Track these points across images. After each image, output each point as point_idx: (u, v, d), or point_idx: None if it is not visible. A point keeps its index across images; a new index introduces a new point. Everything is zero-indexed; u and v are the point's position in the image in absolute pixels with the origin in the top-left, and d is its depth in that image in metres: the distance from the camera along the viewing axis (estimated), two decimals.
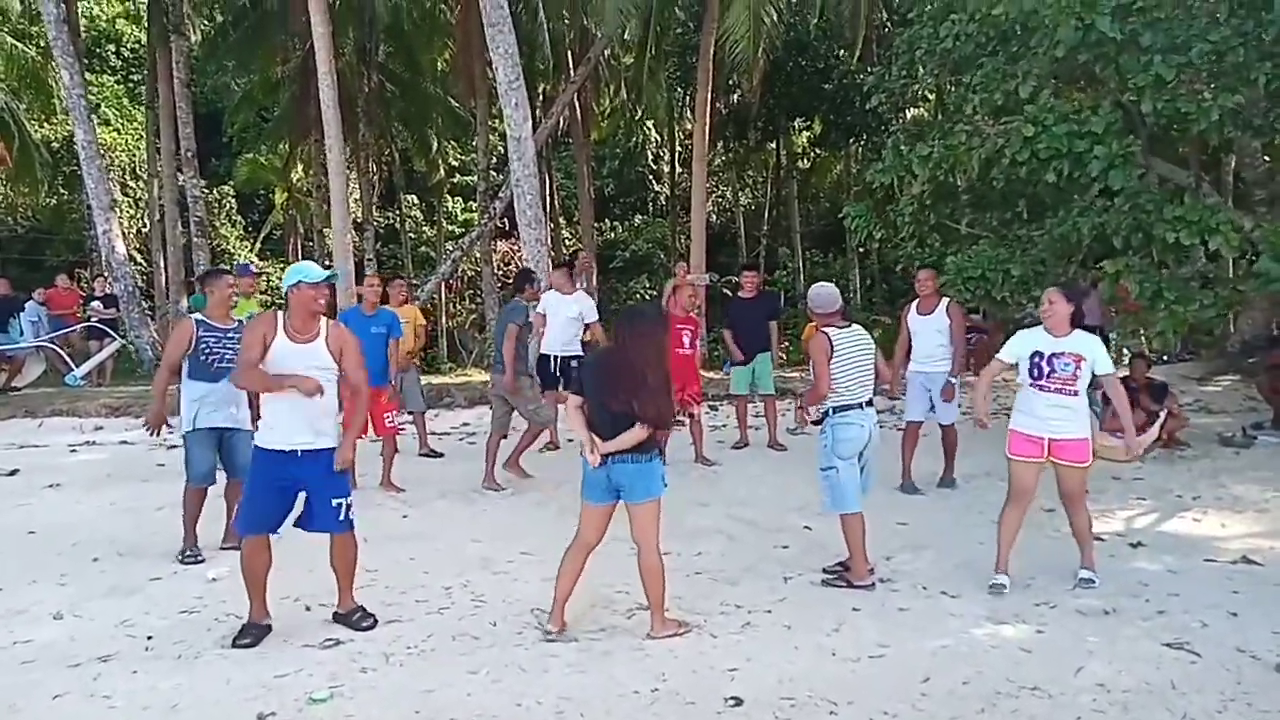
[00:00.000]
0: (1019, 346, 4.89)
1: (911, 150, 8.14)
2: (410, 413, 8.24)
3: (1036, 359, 4.77)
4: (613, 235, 32.75)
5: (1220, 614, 4.44)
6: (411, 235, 31.46)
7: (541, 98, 24.26)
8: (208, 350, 5.52)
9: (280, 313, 4.41)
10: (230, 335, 5.58)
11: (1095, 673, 3.82)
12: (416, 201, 33.29)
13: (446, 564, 5.33)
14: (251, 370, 4.24)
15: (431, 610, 4.63)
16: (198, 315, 5.70)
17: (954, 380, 7.08)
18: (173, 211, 18.22)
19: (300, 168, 28.91)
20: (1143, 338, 8.04)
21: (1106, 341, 13.67)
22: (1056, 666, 3.89)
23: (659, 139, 32.20)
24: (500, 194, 17.92)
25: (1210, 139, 6.75)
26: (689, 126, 31.44)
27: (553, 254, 27.73)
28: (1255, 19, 6.50)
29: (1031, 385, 4.79)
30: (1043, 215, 7.89)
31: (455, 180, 33.37)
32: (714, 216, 33.61)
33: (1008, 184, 7.55)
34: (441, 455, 8.33)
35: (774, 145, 28.91)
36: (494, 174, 21.63)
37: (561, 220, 29.40)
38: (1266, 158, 8.88)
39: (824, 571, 5.07)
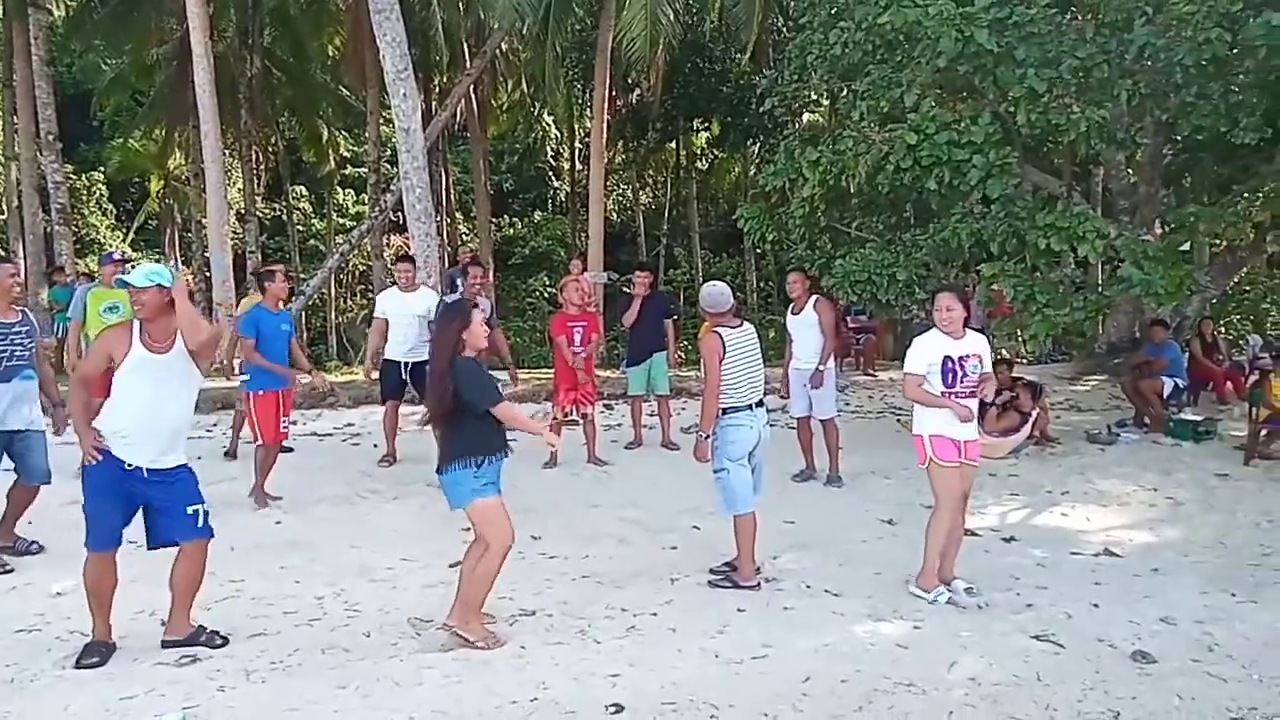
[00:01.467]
0: (928, 353, 4.73)
1: (803, 154, 8.25)
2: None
3: (949, 364, 4.70)
4: (511, 231, 32.37)
5: (1083, 605, 4.61)
6: (300, 228, 30.34)
7: (437, 90, 23.76)
8: None
9: (134, 324, 4.04)
10: (17, 330, 5.25)
11: (968, 667, 3.90)
12: (305, 193, 32.15)
13: (321, 573, 5.08)
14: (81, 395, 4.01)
15: (300, 622, 4.40)
16: None
17: (822, 368, 7.18)
18: (32, 198, 16.97)
19: (178, 154, 27.57)
20: (1019, 340, 8.35)
21: None
22: (931, 662, 3.95)
23: (559, 135, 31.97)
24: (392, 186, 17.43)
25: (1079, 150, 7.05)
26: (589, 123, 31.47)
27: (447, 249, 27.28)
28: (1117, 39, 6.83)
29: (945, 391, 4.71)
30: (927, 220, 8.11)
31: (346, 172, 32.36)
32: (614, 215, 33.57)
33: (893, 189, 7.72)
34: (291, 450, 7.88)
35: (674, 145, 29.12)
36: (387, 165, 21.05)
37: (458, 215, 28.87)
38: (1129, 170, 9.38)
39: (711, 572, 5.05)
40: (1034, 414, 8.01)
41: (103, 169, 28.37)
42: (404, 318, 7.60)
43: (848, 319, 13.61)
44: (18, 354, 5.18)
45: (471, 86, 19.42)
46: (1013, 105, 6.83)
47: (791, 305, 7.19)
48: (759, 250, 28.15)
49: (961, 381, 4.72)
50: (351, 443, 8.71)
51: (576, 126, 29.64)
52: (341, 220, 31.28)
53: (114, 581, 4.03)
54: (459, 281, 10.47)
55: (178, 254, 28.06)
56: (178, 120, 23.23)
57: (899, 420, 10.18)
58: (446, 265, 12.96)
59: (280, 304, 6.98)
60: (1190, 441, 8.73)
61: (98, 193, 29.15)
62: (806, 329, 7.14)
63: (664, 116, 22.44)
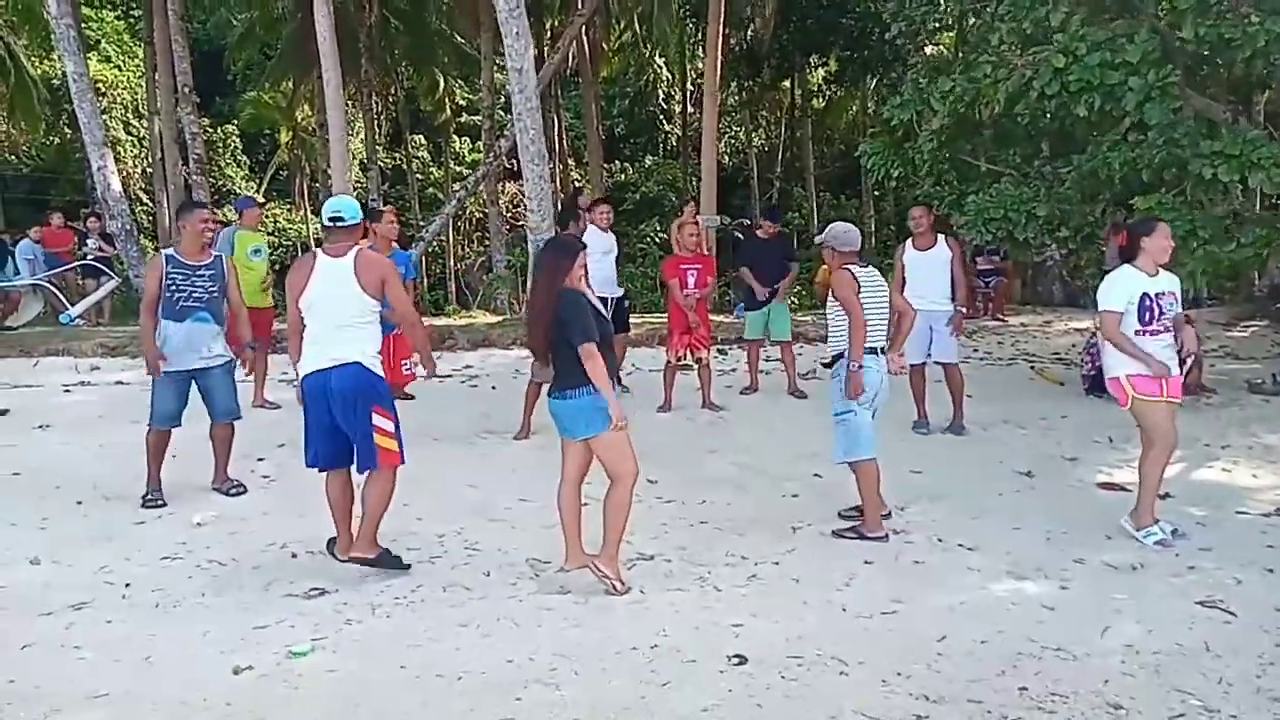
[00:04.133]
0: (1127, 289, 4.50)
1: (931, 84, 7.72)
2: None
3: (1146, 301, 4.47)
4: (623, 177, 32.20)
5: (1255, 570, 4.20)
6: (419, 176, 31.00)
7: (549, 34, 23.63)
8: (174, 288, 5.28)
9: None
10: (201, 272, 5.35)
11: (1124, 633, 3.59)
12: (423, 141, 32.76)
13: (442, 511, 5.12)
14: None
15: (423, 559, 4.43)
16: (169, 251, 5.44)
17: (962, 310, 6.80)
18: (172, 150, 17.81)
19: (305, 106, 28.42)
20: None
21: None
22: (1081, 626, 3.66)
23: (670, 77, 31.49)
24: (506, 132, 17.45)
25: (1254, 68, 6.30)
26: (701, 64, 30.78)
27: (560, 195, 27.35)
28: None
29: (1142, 330, 4.48)
30: (1067, 152, 7.48)
31: (462, 120, 32.78)
32: (726, 158, 32.92)
33: (1033, 119, 7.15)
34: (413, 398, 8.01)
35: (788, 84, 28.18)
36: (501, 113, 21.11)
37: (570, 161, 28.83)
38: None
39: (840, 517, 4.85)
40: (1189, 360, 7.36)
41: (236, 122, 29.52)
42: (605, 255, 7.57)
43: (976, 260, 12.93)
44: (196, 295, 5.30)
45: (583, 28, 19.15)
46: (1176, 19, 6.15)
47: (913, 241, 6.76)
48: (878, 191, 27.22)
49: (1158, 319, 4.52)
50: (470, 384, 8.81)
51: (689, 68, 29.09)
52: (458, 168, 31.79)
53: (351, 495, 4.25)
54: (571, 223, 10.43)
55: (307, 204, 29.08)
56: (303, 72, 23.91)
57: (1032, 367, 9.64)
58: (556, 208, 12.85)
59: (392, 245, 7.00)
60: None
61: (232, 145, 30.42)
62: (936, 267, 6.72)
63: (779, 53, 21.57)
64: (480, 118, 34.11)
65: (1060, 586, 4.06)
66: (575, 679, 3.29)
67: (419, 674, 3.32)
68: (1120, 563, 4.33)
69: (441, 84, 28.15)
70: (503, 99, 22.24)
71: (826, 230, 4.92)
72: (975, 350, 10.32)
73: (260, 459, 6.10)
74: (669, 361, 7.64)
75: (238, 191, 28.99)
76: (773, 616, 3.77)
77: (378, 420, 4.08)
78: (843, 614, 3.81)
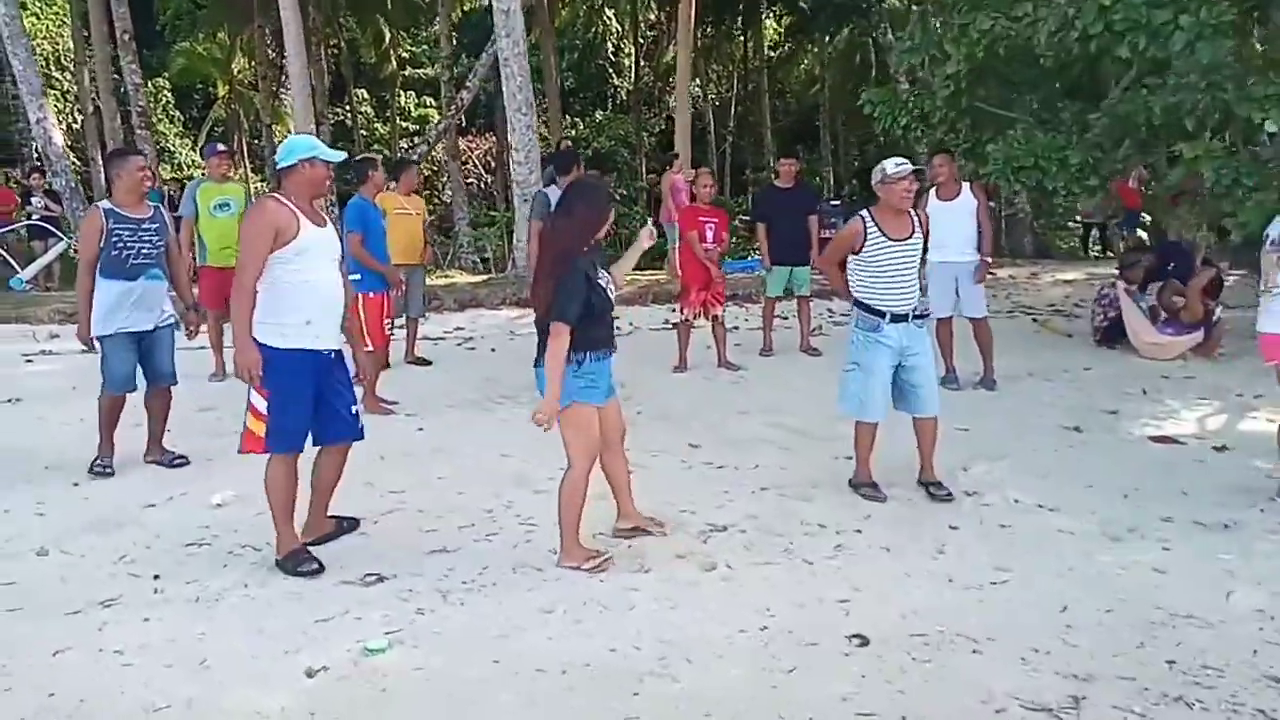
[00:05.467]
0: None
1: (953, 25, 7.42)
2: (409, 318, 7.50)
3: None
4: (574, 132, 31.53)
5: None
6: (364, 132, 29.90)
7: None
8: (120, 244, 4.82)
9: (275, 196, 3.76)
10: (146, 226, 4.91)
11: (1250, 597, 3.41)
12: (367, 96, 31.60)
13: (481, 482, 4.76)
14: (251, 284, 3.59)
15: (479, 537, 4.08)
16: (106, 204, 4.93)
17: (988, 260, 6.65)
18: (109, 103, 16.73)
19: (242, 58, 27.05)
20: (1201, 231, 7.56)
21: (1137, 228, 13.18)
22: (1202, 590, 3.47)
23: (619, 29, 30.82)
24: (467, 84, 16.77)
25: None
26: (651, 17, 30.09)
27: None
28: None
29: None
30: (1093, 96, 7.28)
31: (407, 73, 31.72)
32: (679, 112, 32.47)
33: (1059, 63, 6.90)
34: (430, 363, 7.65)
35: (741, 37, 27.73)
36: (461, 59, 20.25)
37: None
38: None
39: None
40: (1218, 315, 7.31)
41: (166, 75, 28.00)
42: None
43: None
44: (145, 251, 4.89)
45: None
46: None
47: (936, 190, 6.52)
48: (833, 145, 26.97)
49: None
50: (467, 347, 8.39)
51: (640, 19, 28.46)
52: (404, 124, 30.77)
53: (296, 485, 3.77)
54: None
55: (247, 161, 27.83)
56: (241, 21, 22.70)
57: (1034, 319, 9.56)
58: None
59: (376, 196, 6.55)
60: None
61: (164, 99, 28.88)
62: (962, 217, 6.51)
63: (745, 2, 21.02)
64: (426, 70, 33.14)
65: (1162, 548, 3.88)
66: (691, 668, 2.99)
67: (517, 669, 2.99)
68: (1210, 521, 4.17)
69: (387, 35, 27.09)
70: (461, 49, 21.43)
71: (878, 169, 4.54)
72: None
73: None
74: (684, 319, 7.31)
75: (171, 149, 27.62)
76: (877, 590, 3.52)
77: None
78: (950, 585, 3.57)
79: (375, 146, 30.06)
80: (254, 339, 3.59)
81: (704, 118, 30.20)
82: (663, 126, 31.29)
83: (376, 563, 3.77)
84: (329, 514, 4.01)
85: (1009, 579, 3.61)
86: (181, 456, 5.14)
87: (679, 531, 4.11)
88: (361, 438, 3.94)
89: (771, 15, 24.18)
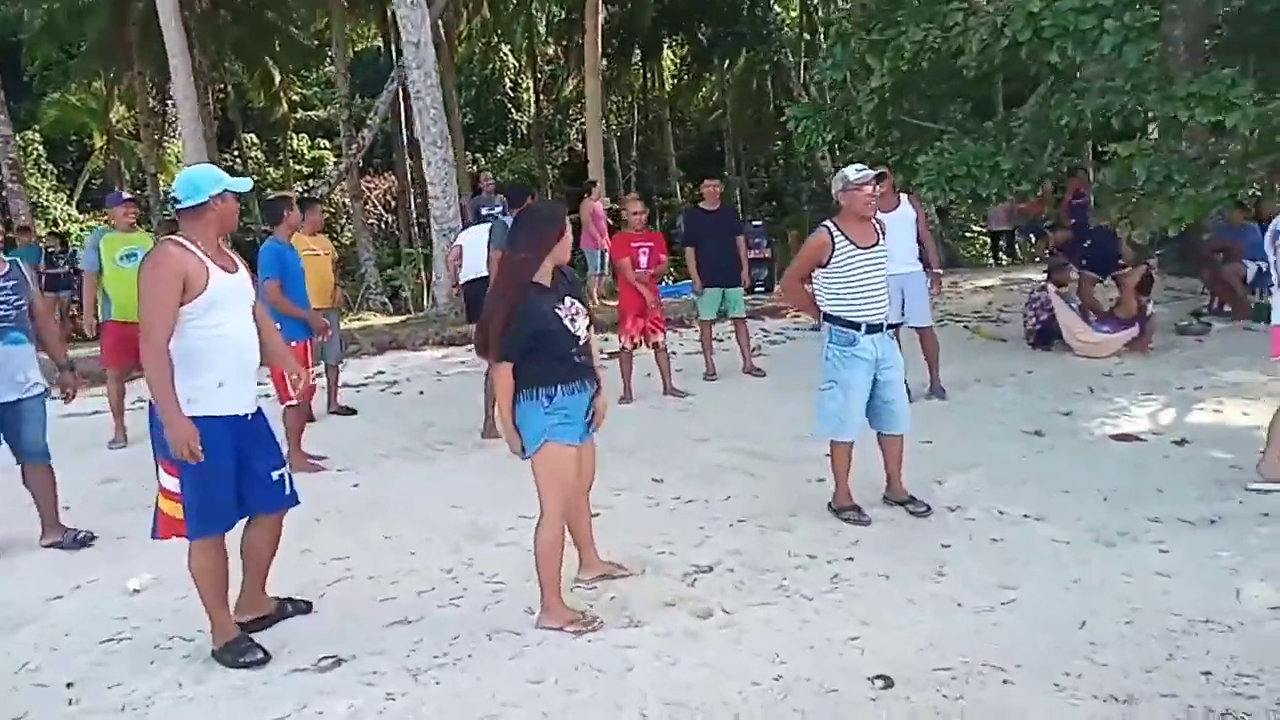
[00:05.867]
0: None
1: (867, 41, 7.43)
2: (328, 365, 7.00)
3: None
4: (474, 167, 31.16)
5: None
6: (255, 177, 28.83)
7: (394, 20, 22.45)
8: None
9: (178, 240, 3.19)
10: (1, 285, 4.38)
11: (1261, 595, 3.32)
12: (256, 140, 30.56)
13: (433, 539, 4.35)
14: (164, 342, 3.07)
15: (442, 602, 3.68)
16: None
17: (938, 272, 6.63)
18: None
19: (120, 106, 25.81)
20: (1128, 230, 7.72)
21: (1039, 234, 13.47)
22: (1209, 591, 3.37)
23: (517, 64, 30.75)
24: (368, 121, 16.27)
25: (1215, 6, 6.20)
26: (549, 50, 30.07)
27: (418, 190, 25.96)
28: None
29: None
30: (1009, 104, 7.37)
31: (299, 116, 30.87)
32: (579, 144, 32.48)
33: (980, 72, 6.95)
34: (355, 412, 7.16)
35: (641, 68, 27.93)
36: (357, 99, 19.67)
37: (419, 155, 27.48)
38: None
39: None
40: (1150, 311, 7.44)
41: (37, 127, 26.48)
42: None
43: None
44: (1, 313, 4.34)
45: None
46: None
47: (879, 204, 6.44)
48: (735, 167, 27.25)
49: None
50: (393, 392, 7.91)
51: (538, 55, 28.46)
52: (299, 167, 29.88)
53: (228, 566, 3.30)
54: (485, 210, 9.62)
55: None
56: (119, 68, 21.66)
57: (965, 326, 9.62)
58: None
59: (292, 235, 6.08)
60: None
61: (35, 153, 27.26)
62: (904, 228, 6.43)
63: (650, 29, 21.10)
64: (317, 113, 32.25)
65: (1160, 550, 3.77)
66: None
67: None
68: (1194, 517, 4.11)
69: (277, 77, 26.30)
70: (354, 88, 20.85)
71: (838, 177, 4.38)
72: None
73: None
74: (624, 348, 7.03)
75: (46, 204, 26.04)
76: (886, 623, 3.28)
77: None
78: (960, 609, 3.36)
79: (268, 191, 29.07)
80: (156, 414, 3.12)
81: (608, 149, 30.16)
82: (565, 159, 31.23)
83: (330, 643, 3.34)
84: (272, 595, 3.55)
85: (1017, 597, 3.42)
86: (85, 533, 4.58)
87: (661, 575, 3.81)
88: (295, 503, 3.46)
89: (672, 46, 24.32)
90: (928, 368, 6.73)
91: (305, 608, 3.61)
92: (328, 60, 27.18)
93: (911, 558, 3.83)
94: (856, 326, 4.15)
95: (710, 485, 4.94)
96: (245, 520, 3.37)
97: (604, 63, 26.05)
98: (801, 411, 6.28)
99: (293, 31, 23.61)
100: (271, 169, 30.32)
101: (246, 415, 3.28)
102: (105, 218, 6.77)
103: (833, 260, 4.14)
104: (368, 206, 23.75)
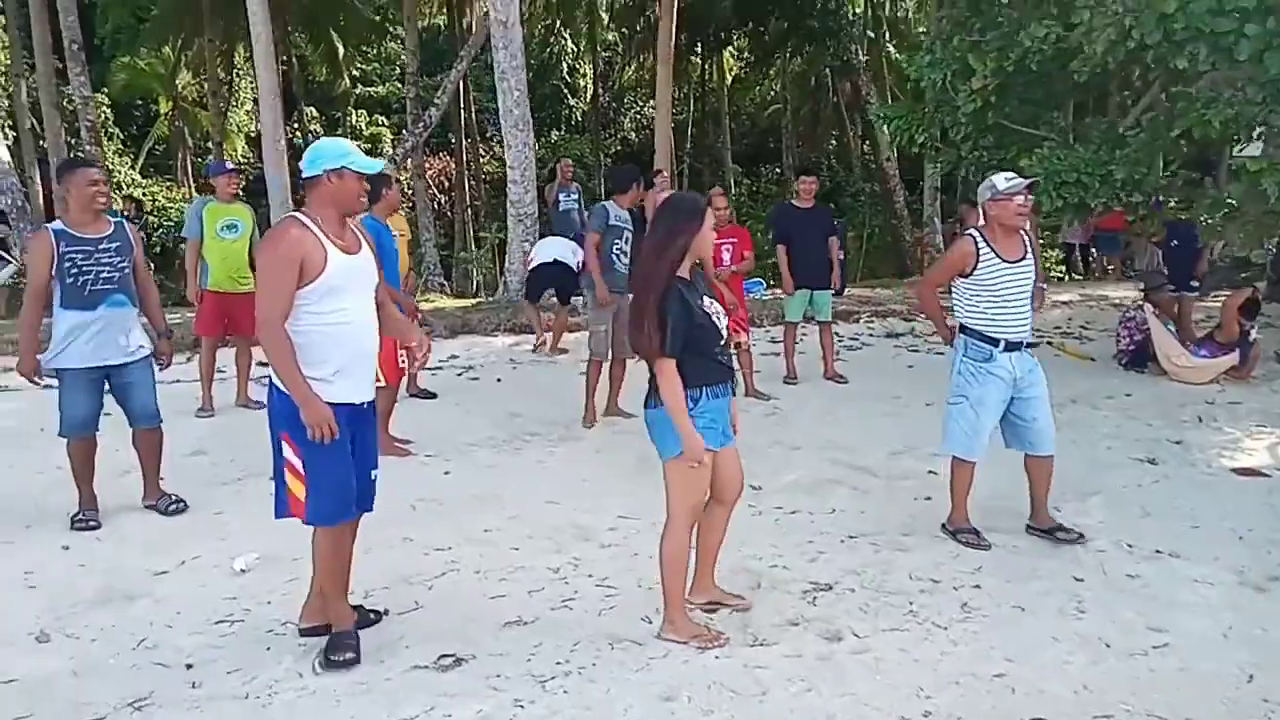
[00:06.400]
0: None
1: (971, 36, 7.18)
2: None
3: None
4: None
5: None
6: None
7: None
8: (75, 269, 4.26)
9: (299, 216, 3.06)
10: (105, 246, 4.33)
11: None
12: (317, 114, 30.72)
13: (535, 536, 4.24)
14: (280, 324, 2.93)
15: (555, 604, 3.57)
16: (57, 224, 4.34)
17: (1044, 287, 6.40)
18: (52, 116, 15.78)
19: (187, 73, 26.07)
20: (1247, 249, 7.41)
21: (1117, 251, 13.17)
22: None
23: (575, 49, 30.62)
24: (435, 100, 16.22)
25: None
26: (610, 37, 29.89)
27: (472, 172, 25.88)
28: None
29: None
30: (1117, 111, 7.09)
31: (358, 91, 31.00)
32: (633, 134, 32.31)
33: (1090, 76, 6.68)
34: (435, 396, 7.09)
35: (698, 60, 27.66)
36: (423, 78, 19.63)
37: (475, 136, 27.49)
38: None
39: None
40: (1254, 336, 7.14)
41: (105, 90, 26.83)
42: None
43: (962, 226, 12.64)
44: (104, 275, 4.30)
45: None
46: None
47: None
48: (791, 162, 26.82)
49: None
50: (469, 377, 7.82)
51: (598, 40, 28.32)
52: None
53: (351, 554, 3.20)
54: (563, 198, 9.49)
55: (190, 180, 26.78)
56: (188, 34, 21.83)
57: (1048, 343, 9.33)
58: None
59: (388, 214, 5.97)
60: None
61: (102, 116, 27.64)
62: None
63: (723, 20, 20.72)
64: (376, 89, 32.36)
65: None
66: None
67: None
68: None
69: (341, 51, 26.40)
70: (419, 65, 20.82)
71: (985, 185, 4.19)
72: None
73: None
74: None
75: (112, 168, 26.39)
76: (1032, 661, 3.10)
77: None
78: (1110, 651, 3.17)
79: None
80: (279, 390, 3.01)
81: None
82: (619, 148, 31.04)
83: (446, 640, 3.24)
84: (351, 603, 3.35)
85: (1169, 642, 3.23)
86: (179, 501, 4.58)
87: (779, 591, 3.67)
88: (371, 509, 3.27)
89: (739, 37, 23.88)
90: None
91: (378, 617, 3.41)
92: (388, 37, 27.32)
93: (1045, 590, 3.65)
94: (994, 343, 3.97)
95: (813, 497, 4.78)
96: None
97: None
98: (893, 424, 6.17)
99: (358, 5, 23.61)
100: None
101: (363, 404, 3.14)
102: (208, 186, 6.73)
103: (975, 271, 3.96)
104: (431, 189, 23.79)
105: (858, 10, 20.08)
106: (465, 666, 3.08)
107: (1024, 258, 4.03)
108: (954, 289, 4.10)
